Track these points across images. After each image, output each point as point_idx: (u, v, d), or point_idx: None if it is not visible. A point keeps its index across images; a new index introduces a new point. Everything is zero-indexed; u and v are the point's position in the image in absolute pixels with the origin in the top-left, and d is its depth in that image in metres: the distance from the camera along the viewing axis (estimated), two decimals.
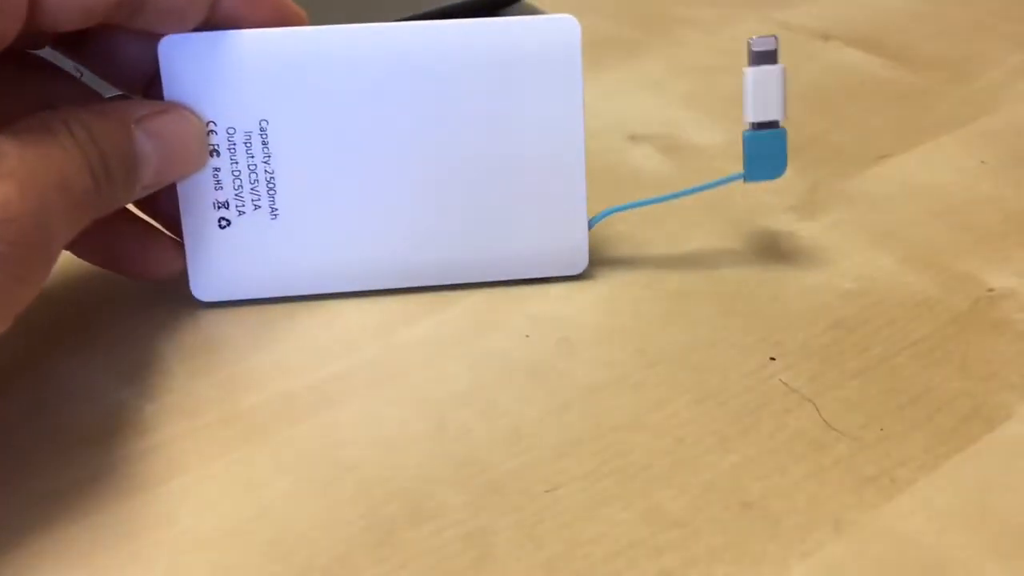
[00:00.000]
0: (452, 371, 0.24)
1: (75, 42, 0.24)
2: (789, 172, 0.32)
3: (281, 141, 0.25)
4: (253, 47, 0.24)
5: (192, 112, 0.24)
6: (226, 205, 0.25)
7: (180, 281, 0.26)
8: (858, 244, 0.29)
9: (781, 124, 0.26)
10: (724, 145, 0.34)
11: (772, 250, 0.29)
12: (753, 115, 0.26)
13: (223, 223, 0.25)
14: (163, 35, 0.24)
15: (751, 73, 0.25)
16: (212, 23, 0.24)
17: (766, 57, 0.25)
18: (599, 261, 0.28)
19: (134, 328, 0.26)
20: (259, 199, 0.25)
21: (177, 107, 0.24)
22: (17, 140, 0.20)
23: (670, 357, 0.25)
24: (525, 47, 0.25)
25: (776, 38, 0.25)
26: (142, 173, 0.23)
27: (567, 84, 0.25)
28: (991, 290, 0.27)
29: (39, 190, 0.20)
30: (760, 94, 0.25)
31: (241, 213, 0.25)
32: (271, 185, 0.25)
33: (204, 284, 0.26)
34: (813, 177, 0.32)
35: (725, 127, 0.35)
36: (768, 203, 0.31)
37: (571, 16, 0.25)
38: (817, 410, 0.23)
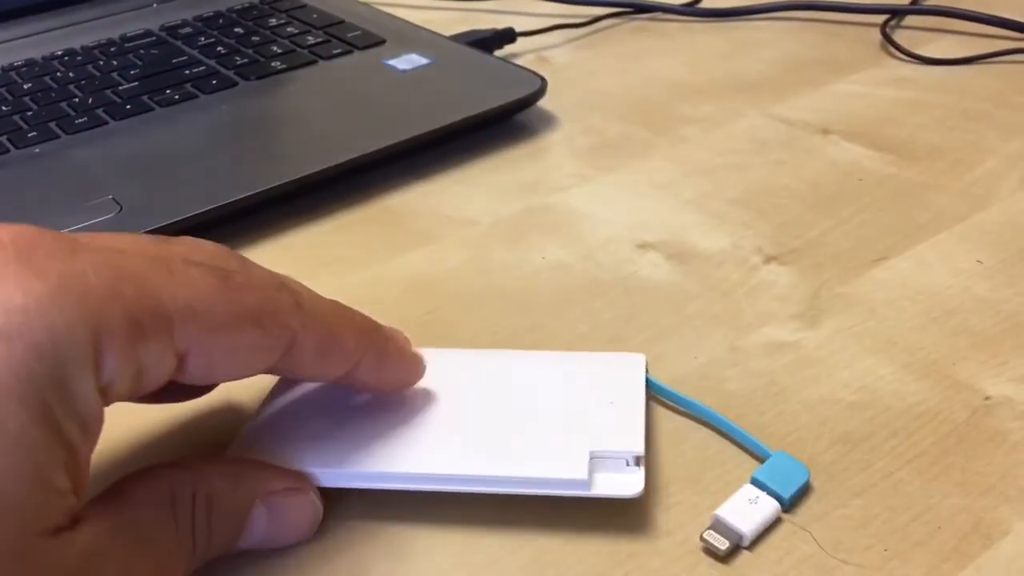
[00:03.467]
0: None
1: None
2: (793, 277, 0.34)
3: None
4: None
5: (317, 494, 0.24)
6: None
7: None
8: (859, 353, 0.30)
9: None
10: (729, 250, 0.36)
11: (777, 362, 0.30)
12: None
13: None
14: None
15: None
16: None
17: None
18: None
19: None
20: None
21: (308, 488, 0.24)
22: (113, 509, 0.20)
23: (680, 478, 0.26)
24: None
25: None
26: (244, 541, 0.23)
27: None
28: (988, 398, 0.28)
29: None
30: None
31: None
32: None
33: None
34: (815, 282, 0.33)
35: (730, 230, 0.37)
36: (773, 311, 0.32)
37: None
38: (823, 532, 0.24)
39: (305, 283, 0.24)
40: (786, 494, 0.25)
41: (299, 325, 0.22)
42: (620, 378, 0.28)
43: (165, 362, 0.20)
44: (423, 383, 0.27)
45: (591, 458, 0.24)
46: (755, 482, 0.25)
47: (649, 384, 0.28)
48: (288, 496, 0.24)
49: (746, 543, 0.24)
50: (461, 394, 0.27)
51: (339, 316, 0.24)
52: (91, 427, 0.19)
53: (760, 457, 0.26)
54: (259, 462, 0.24)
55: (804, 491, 0.25)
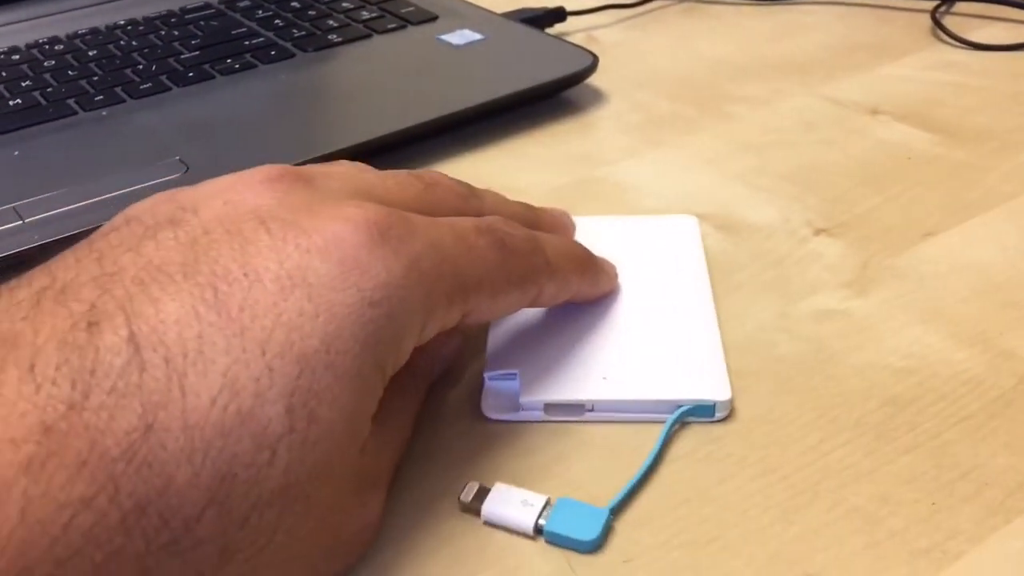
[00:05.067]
0: (532, 443, 0.27)
1: None
2: (843, 249, 0.34)
3: None
4: None
5: (458, 335, 0.30)
6: None
7: None
8: (908, 321, 0.31)
9: None
10: (779, 223, 0.36)
11: (827, 328, 0.31)
12: None
13: None
14: None
15: None
16: None
17: None
18: None
19: None
20: None
21: (455, 335, 0.29)
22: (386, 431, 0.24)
23: (734, 432, 0.27)
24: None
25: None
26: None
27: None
28: None
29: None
30: None
31: None
32: None
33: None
34: (864, 254, 0.34)
35: (779, 204, 0.37)
36: (822, 281, 0.33)
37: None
38: (870, 487, 0.25)
39: None
40: (548, 527, 0.24)
41: (546, 281, 0.27)
42: (678, 381, 0.27)
43: (455, 320, 0.25)
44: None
45: (520, 377, 0.28)
46: (560, 501, 0.24)
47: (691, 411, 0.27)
48: (445, 348, 0.29)
49: (481, 519, 0.24)
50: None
51: (571, 260, 0.29)
52: (399, 366, 0.23)
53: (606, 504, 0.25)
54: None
55: (574, 546, 0.24)
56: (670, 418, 0.27)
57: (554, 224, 0.32)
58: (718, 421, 0.27)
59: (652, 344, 0.29)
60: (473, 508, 0.25)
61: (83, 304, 0.20)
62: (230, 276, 0.21)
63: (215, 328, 0.20)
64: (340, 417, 0.21)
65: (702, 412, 0.27)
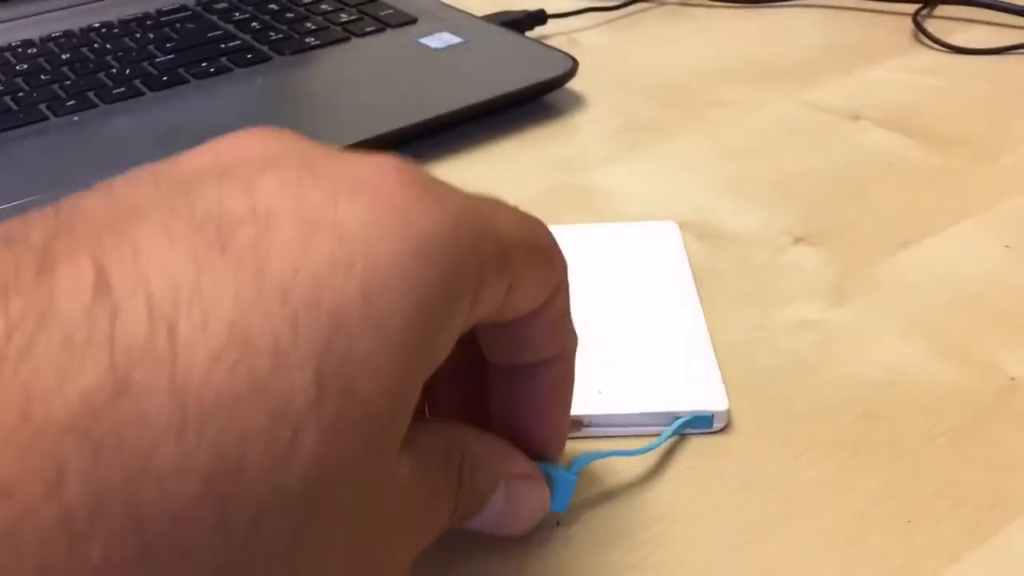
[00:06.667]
0: None
1: None
2: (821, 258, 0.34)
3: None
4: None
5: (548, 489, 0.24)
6: None
7: None
8: (885, 332, 0.30)
9: None
10: (758, 231, 0.36)
11: (804, 340, 0.30)
12: None
13: None
14: None
15: None
16: None
17: None
18: None
19: None
20: None
21: (540, 479, 0.23)
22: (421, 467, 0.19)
23: (706, 449, 0.27)
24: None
25: None
26: (477, 519, 0.22)
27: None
28: (1013, 379, 0.28)
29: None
30: None
31: None
32: None
33: None
34: (843, 263, 0.34)
35: (759, 212, 0.37)
36: (800, 290, 0.32)
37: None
38: (847, 504, 0.25)
39: None
40: None
41: (560, 264, 0.22)
42: (675, 393, 0.27)
43: (501, 296, 0.20)
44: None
45: None
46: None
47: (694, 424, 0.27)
48: (526, 482, 0.22)
49: None
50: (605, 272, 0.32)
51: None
52: (447, 352, 0.18)
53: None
54: (504, 441, 0.22)
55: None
56: (666, 431, 0.26)
57: None
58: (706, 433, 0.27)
59: (646, 355, 0.29)
60: None
61: (32, 249, 0.15)
62: (233, 215, 0.16)
63: (218, 269, 0.15)
64: (382, 396, 0.16)
65: (699, 423, 0.27)
